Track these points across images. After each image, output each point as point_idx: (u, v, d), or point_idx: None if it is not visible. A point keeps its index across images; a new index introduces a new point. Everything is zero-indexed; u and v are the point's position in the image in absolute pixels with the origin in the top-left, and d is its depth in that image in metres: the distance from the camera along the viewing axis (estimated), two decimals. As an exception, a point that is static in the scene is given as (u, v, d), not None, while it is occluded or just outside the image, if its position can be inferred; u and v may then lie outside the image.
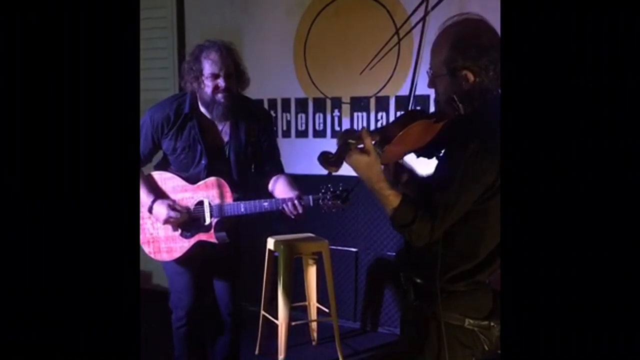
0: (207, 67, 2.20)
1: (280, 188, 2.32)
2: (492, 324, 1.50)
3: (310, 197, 2.23)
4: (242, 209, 2.25)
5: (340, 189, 2.24)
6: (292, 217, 2.21)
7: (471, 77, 1.45)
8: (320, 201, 2.23)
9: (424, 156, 1.61)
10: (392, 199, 1.44)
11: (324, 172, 1.47)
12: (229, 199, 2.27)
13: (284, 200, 2.20)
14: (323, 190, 2.23)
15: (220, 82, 2.21)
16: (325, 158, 1.44)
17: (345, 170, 1.46)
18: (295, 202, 2.18)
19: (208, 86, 2.21)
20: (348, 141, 1.43)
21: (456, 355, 1.50)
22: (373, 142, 1.44)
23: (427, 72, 1.54)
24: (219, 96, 2.22)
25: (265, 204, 2.23)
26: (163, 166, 2.42)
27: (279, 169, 2.44)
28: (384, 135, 1.44)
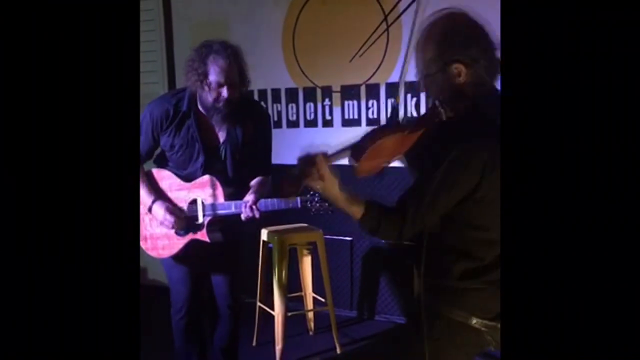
0: (213, 74, 2.15)
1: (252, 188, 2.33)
2: (498, 325, 1.45)
3: (299, 199, 2.24)
4: (233, 208, 2.24)
5: None
6: (245, 220, 2.22)
7: (463, 69, 1.41)
8: (309, 203, 2.26)
9: (411, 165, 1.61)
10: (355, 212, 1.47)
11: None
12: (221, 197, 2.26)
13: (245, 204, 2.20)
14: (311, 192, 2.23)
15: (224, 92, 2.17)
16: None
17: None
18: (253, 206, 2.18)
19: (211, 92, 2.17)
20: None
21: (459, 353, 1.49)
22: (338, 161, 1.47)
23: (416, 76, 1.52)
24: (220, 105, 2.19)
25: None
26: (161, 162, 2.40)
27: (266, 171, 2.42)
28: (355, 151, 1.46)
